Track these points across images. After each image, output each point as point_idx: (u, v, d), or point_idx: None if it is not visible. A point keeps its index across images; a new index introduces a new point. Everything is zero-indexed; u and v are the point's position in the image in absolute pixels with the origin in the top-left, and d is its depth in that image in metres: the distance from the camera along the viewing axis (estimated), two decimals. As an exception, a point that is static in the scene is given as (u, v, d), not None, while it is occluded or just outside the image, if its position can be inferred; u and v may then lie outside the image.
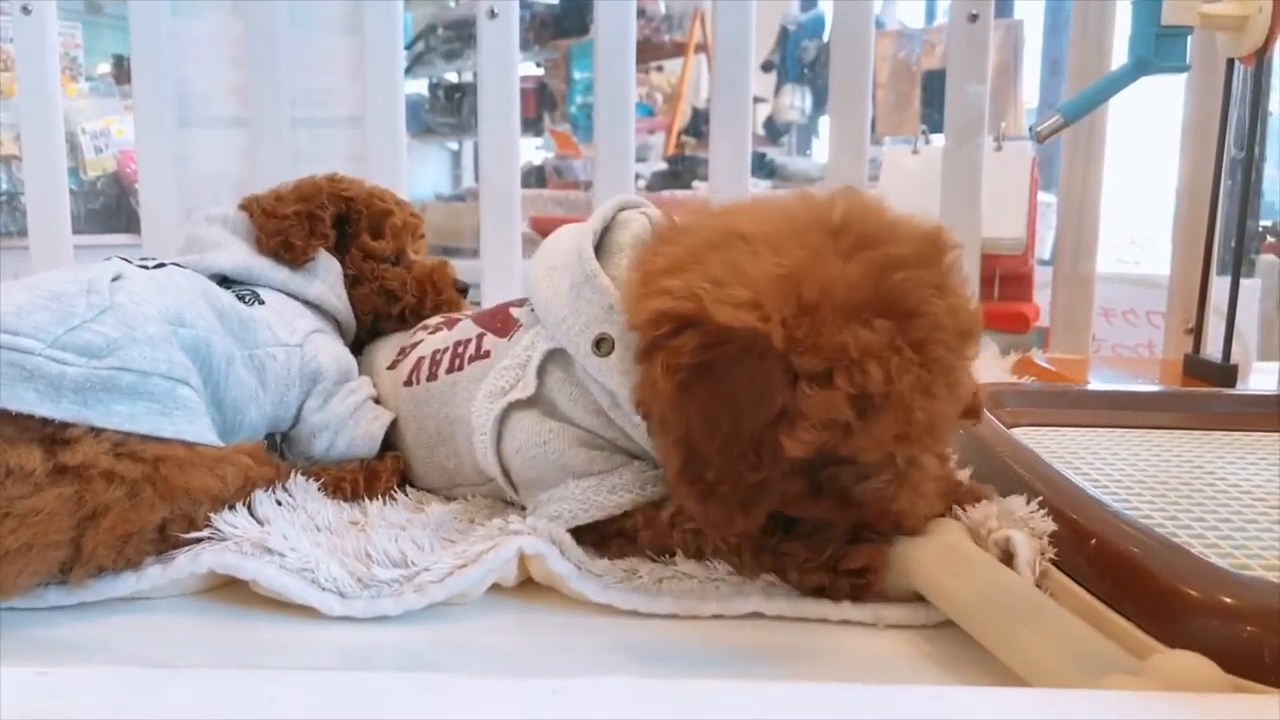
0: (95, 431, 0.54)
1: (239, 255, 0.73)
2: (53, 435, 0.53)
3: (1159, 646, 0.44)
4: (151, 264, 0.67)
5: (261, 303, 0.71)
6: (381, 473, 0.70)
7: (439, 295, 0.84)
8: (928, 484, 0.54)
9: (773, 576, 0.55)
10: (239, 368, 0.65)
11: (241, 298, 0.70)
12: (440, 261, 0.86)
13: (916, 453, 0.52)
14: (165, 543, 0.56)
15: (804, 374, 0.48)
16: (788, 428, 0.49)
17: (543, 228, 2.78)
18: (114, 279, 0.60)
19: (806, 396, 0.48)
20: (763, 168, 2.83)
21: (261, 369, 0.67)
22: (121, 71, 2.55)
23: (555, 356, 0.60)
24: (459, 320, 0.75)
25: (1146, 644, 0.45)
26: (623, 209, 0.63)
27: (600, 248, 0.61)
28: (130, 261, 0.66)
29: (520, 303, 0.68)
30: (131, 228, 1.82)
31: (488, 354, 0.66)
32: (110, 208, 2.34)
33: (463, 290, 0.86)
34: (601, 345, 0.57)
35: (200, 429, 0.59)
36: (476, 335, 0.68)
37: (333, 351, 0.73)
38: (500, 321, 0.68)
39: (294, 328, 0.71)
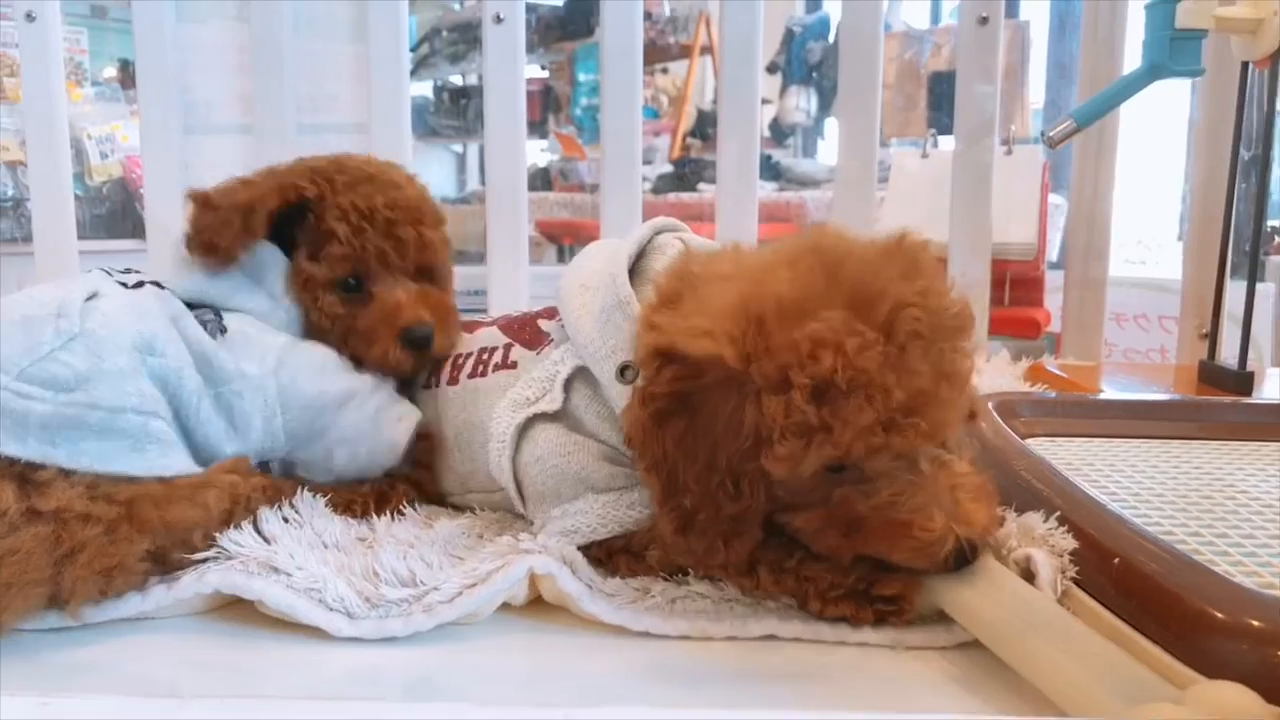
0: (67, 473, 0.53)
1: (195, 278, 0.66)
2: (23, 473, 0.52)
3: (1185, 670, 0.43)
4: (131, 281, 0.65)
5: (224, 330, 0.65)
6: (391, 497, 0.68)
7: (369, 347, 0.68)
8: (951, 480, 0.50)
9: (789, 599, 0.54)
10: (207, 406, 0.62)
11: (205, 323, 0.64)
12: (396, 303, 0.69)
13: (913, 442, 0.49)
14: (165, 566, 0.55)
15: (763, 384, 0.48)
16: (767, 450, 0.48)
17: (549, 231, 2.78)
18: (89, 298, 0.58)
19: (769, 406, 0.47)
20: (768, 170, 2.81)
21: (229, 409, 0.62)
22: (127, 76, 2.55)
23: (583, 373, 0.60)
24: (480, 326, 0.73)
25: (1172, 668, 0.44)
26: (659, 232, 0.63)
27: (635, 271, 0.61)
28: (111, 275, 0.65)
29: (549, 314, 0.67)
30: (137, 233, 1.82)
31: (514, 365, 0.66)
32: (116, 213, 2.34)
33: (417, 343, 0.69)
34: (626, 372, 0.57)
35: (174, 460, 0.57)
36: (504, 345, 0.68)
37: (312, 362, 0.66)
38: (529, 333, 0.67)
39: (264, 349, 0.65)
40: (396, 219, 0.69)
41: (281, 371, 0.65)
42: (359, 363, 0.69)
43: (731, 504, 0.50)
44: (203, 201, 0.66)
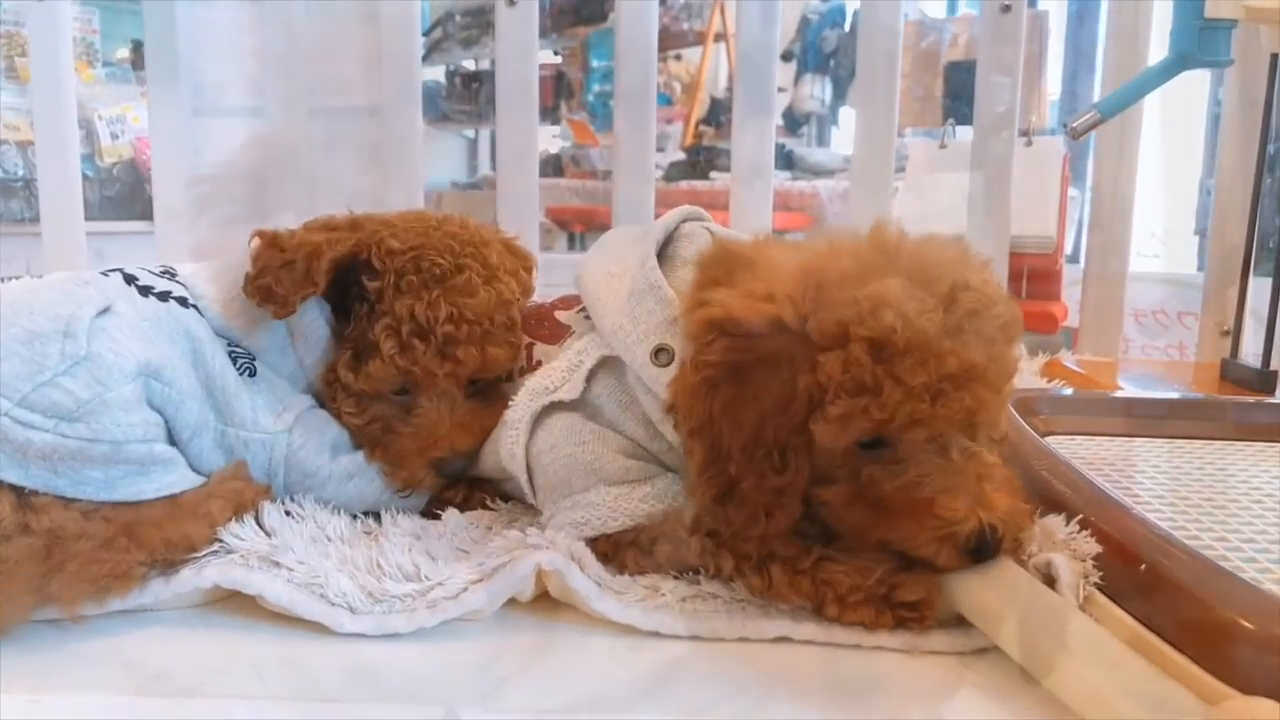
0: (66, 498, 0.52)
1: (239, 322, 0.62)
2: (22, 489, 0.52)
3: (1216, 684, 0.42)
4: (159, 288, 0.61)
5: (253, 374, 0.62)
6: (473, 500, 0.66)
7: (396, 469, 0.63)
8: (979, 469, 0.50)
9: (804, 603, 0.52)
10: (206, 441, 0.59)
11: (235, 357, 0.62)
12: (435, 432, 0.62)
13: (954, 417, 0.49)
14: (167, 567, 0.54)
15: (821, 339, 0.48)
16: (818, 413, 0.48)
17: (559, 217, 2.77)
18: (100, 313, 0.56)
19: (825, 364, 0.48)
20: (781, 158, 2.79)
21: (230, 451, 0.60)
22: (139, 57, 2.54)
23: (608, 363, 0.59)
24: None
25: (1202, 681, 0.42)
26: (686, 220, 0.62)
27: (661, 257, 0.60)
28: (137, 277, 0.62)
29: (565, 304, 0.66)
30: (147, 215, 1.81)
31: (539, 364, 0.64)
32: (125, 194, 2.34)
33: (448, 474, 0.64)
34: (661, 355, 0.56)
35: (179, 477, 0.56)
36: (525, 345, 0.66)
37: (325, 435, 0.63)
38: (548, 328, 0.66)
39: (284, 406, 0.62)
40: (458, 337, 0.61)
41: (295, 432, 0.62)
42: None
43: (776, 477, 0.50)
44: (270, 240, 0.61)
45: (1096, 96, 1.22)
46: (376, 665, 0.49)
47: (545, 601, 0.55)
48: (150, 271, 0.64)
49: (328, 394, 0.64)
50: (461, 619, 0.53)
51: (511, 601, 0.54)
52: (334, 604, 0.52)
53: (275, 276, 0.59)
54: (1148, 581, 0.48)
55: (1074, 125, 1.02)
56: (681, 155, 3.01)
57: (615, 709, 0.46)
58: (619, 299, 0.59)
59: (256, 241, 0.61)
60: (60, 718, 0.35)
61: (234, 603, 0.55)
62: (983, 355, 0.49)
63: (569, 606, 0.55)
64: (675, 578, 0.55)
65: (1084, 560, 0.51)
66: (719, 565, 0.54)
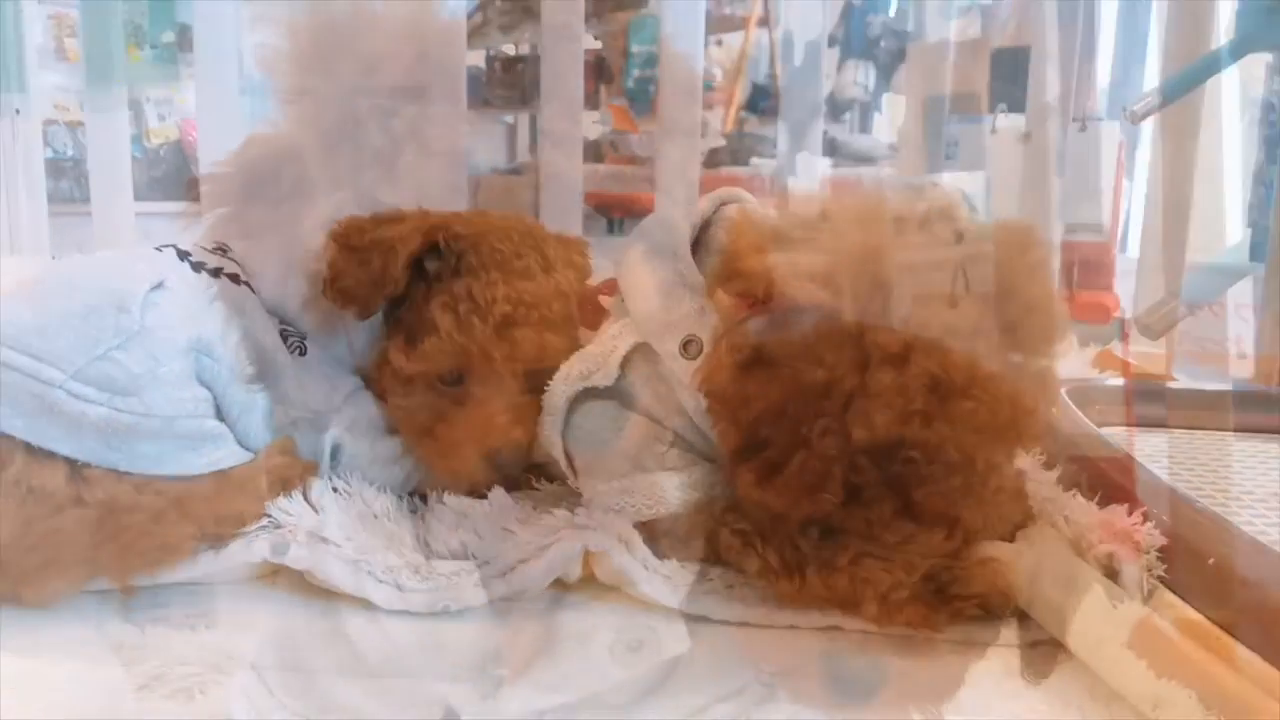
0: (118, 472, 0.52)
1: (291, 302, 0.61)
2: (74, 459, 0.52)
3: (1289, 684, 0.40)
4: (212, 265, 0.61)
5: (304, 353, 0.61)
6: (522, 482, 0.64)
7: (446, 459, 0.61)
8: (1000, 493, 0.51)
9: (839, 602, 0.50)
10: (255, 418, 0.58)
11: (287, 336, 0.61)
12: (491, 420, 0.60)
13: (999, 452, 0.48)
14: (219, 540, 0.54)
15: (878, 353, 0.45)
16: (857, 413, 0.46)
17: (598, 203, 2.76)
18: (154, 288, 0.56)
19: (879, 379, 0.45)
20: (823, 145, 2.76)
21: (278, 429, 0.59)
22: (185, 40, 2.56)
23: (642, 350, 0.58)
24: None
25: (1269, 676, 0.41)
26: (724, 203, 0.61)
27: (699, 243, 0.59)
28: (190, 253, 0.61)
29: (610, 288, 0.65)
30: (193, 195, 1.83)
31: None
32: (172, 175, 2.37)
33: (503, 467, 0.61)
34: (690, 347, 0.55)
35: (227, 453, 0.56)
36: None
37: (373, 418, 0.62)
38: (590, 313, 0.65)
39: (333, 386, 0.61)
40: (515, 318, 0.59)
41: (343, 412, 0.61)
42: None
43: (816, 460, 0.48)
44: (342, 241, 0.59)
45: (1148, 83, 1.19)
46: (375, 664, 0.49)
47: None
48: (203, 248, 0.64)
49: (376, 379, 0.64)
50: (507, 598, 0.52)
51: (557, 581, 0.54)
52: (381, 581, 0.52)
53: (355, 278, 0.58)
54: (1215, 577, 0.46)
55: (1133, 109, 0.99)
56: (722, 141, 2.98)
57: (615, 709, 0.46)
58: (651, 286, 0.58)
59: (331, 246, 0.59)
60: (60, 716, 0.35)
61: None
62: (1033, 390, 0.47)
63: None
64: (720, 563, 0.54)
65: (1148, 553, 0.50)
66: (744, 566, 0.53)
